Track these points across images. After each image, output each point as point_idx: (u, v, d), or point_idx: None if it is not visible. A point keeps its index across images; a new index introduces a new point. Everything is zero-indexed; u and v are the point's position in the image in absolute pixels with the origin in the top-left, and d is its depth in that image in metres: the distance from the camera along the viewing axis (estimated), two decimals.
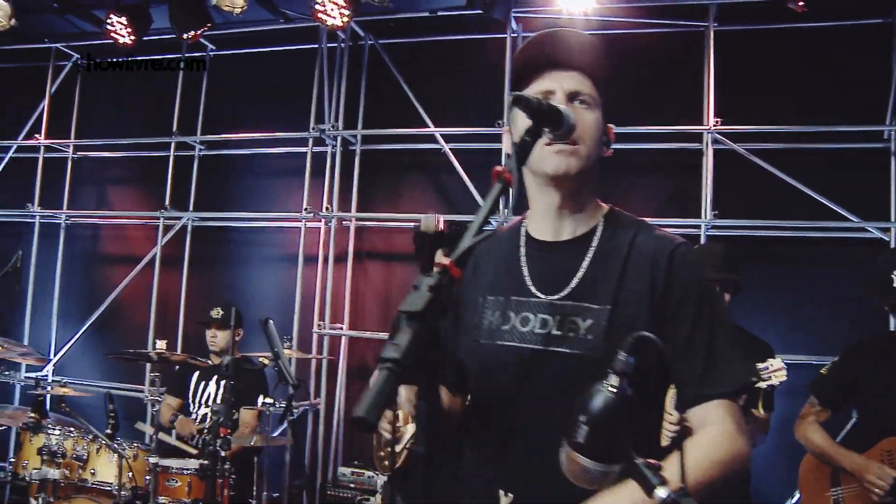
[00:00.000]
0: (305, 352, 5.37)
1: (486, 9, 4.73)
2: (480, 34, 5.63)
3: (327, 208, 5.52)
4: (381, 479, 3.91)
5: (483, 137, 5.50)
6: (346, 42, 5.87)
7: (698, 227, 5.01)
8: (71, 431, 4.23)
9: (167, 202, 6.01)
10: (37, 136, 6.43)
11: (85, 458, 4.16)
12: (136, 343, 6.05)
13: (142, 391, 5.92)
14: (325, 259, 5.68)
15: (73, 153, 6.61)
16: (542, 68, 1.64)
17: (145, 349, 5.81)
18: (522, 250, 1.74)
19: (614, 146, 1.69)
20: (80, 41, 6.53)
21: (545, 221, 1.71)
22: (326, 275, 5.56)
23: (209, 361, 4.79)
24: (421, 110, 5.60)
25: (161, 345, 4.21)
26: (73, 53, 6.62)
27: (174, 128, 6.09)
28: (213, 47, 6.27)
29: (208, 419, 4.75)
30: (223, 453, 3.60)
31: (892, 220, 4.79)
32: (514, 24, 5.46)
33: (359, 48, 5.94)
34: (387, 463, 3.84)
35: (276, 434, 5.06)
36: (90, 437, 4.19)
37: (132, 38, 5.63)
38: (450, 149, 5.54)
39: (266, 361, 3.67)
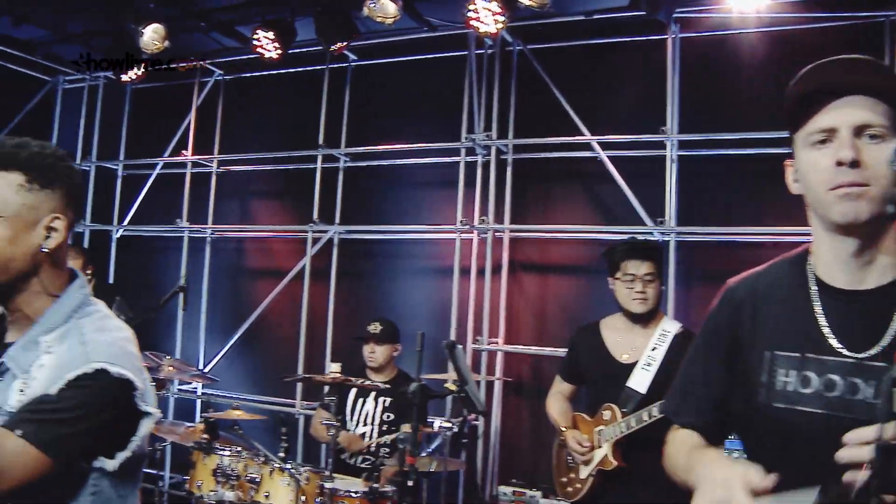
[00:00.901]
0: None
1: (651, 10, 4.47)
2: (636, 36, 5.53)
3: (483, 220, 5.38)
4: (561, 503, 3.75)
5: (643, 145, 5.37)
6: (495, 49, 5.85)
7: None
8: (239, 452, 4.22)
9: (315, 215, 5.95)
10: (184, 152, 6.56)
11: (258, 480, 4.13)
12: (284, 357, 6.12)
13: (293, 405, 5.93)
14: (479, 272, 5.68)
15: (217, 168, 6.67)
16: (823, 100, 1.47)
17: (293, 363, 5.88)
18: (816, 299, 1.55)
19: None
20: (223, 57, 6.72)
21: (837, 267, 1.53)
22: (483, 288, 5.43)
23: (369, 380, 4.71)
24: (575, 117, 5.48)
25: (335, 367, 4.16)
26: (215, 69, 6.70)
27: (320, 140, 6.12)
28: (355, 57, 6.24)
29: (367, 437, 4.68)
30: (409, 483, 3.50)
31: None
32: (673, 26, 5.27)
33: (507, 54, 5.87)
34: (570, 489, 3.75)
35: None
36: (261, 459, 4.16)
37: (278, 52, 5.66)
38: (607, 156, 5.27)
39: (452, 387, 3.55)
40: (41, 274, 1.66)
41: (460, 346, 3.62)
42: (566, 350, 3.98)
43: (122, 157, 7.23)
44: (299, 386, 6.05)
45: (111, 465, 1.63)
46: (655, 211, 5.21)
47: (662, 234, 5.20)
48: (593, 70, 5.66)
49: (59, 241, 1.66)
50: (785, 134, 1.58)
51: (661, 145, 5.28)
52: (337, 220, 6.22)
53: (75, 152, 7.33)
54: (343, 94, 6.37)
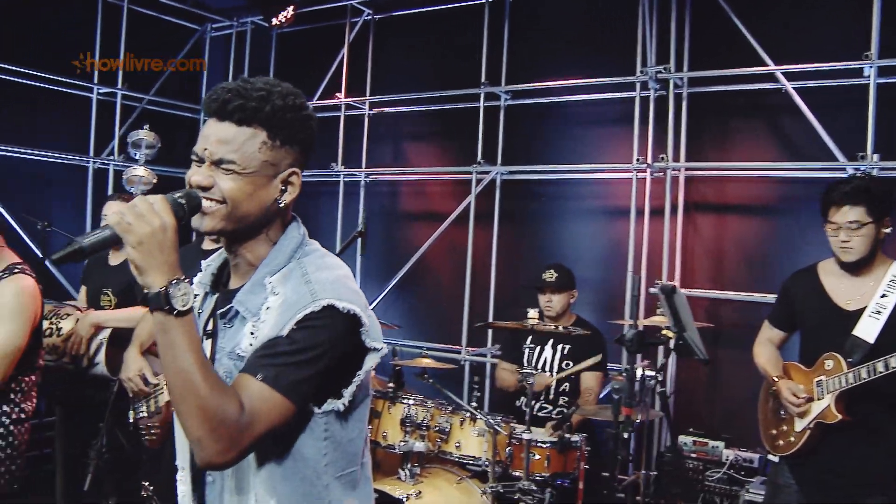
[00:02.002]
0: (623, 313, 5.42)
1: None
2: None
3: (662, 157, 5.17)
4: (772, 458, 3.61)
5: (836, 73, 5.12)
6: None
7: None
8: (424, 401, 4.23)
9: (479, 156, 5.88)
10: (337, 94, 6.55)
11: (447, 430, 4.14)
12: (443, 302, 6.12)
13: (458, 352, 5.94)
14: (651, 213, 5.57)
15: (370, 110, 6.64)
16: None
17: (454, 309, 5.92)
18: None
19: None
20: None
21: None
22: (660, 230, 5.33)
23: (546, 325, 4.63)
24: (756, 46, 5.14)
25: (533, 313, 4.10)
26: (364, 9, 6.62)
27: (483, 78, 5.93)
28: None
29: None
30: (625, 435, 3.41)
31: None
32: None
33: None
34: (781, 442, 3.63)
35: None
36: (450, 408, 4.16)
37: None
38: (793, 88, 4.98)
39: (669, 334, 3.42)
40: (270, 225, 1.73)
41: (682, 291, 3.47)
42: (777, 295, 3.83)
43: None
44: (464, 333, 6.04)
45: (340, 404, 1.68)
46: (849, 146, 4.87)
47: (857, 170, 4.86)
48: None
49: (294, 195, 1.73)
50: None
51: (857, 73, 4.94)
52: (499, 160, 6.08)
53: None
54: (502, 29, 6.30)
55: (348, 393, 1.68)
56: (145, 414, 3.86)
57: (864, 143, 4.90)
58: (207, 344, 1.75)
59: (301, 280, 1.66)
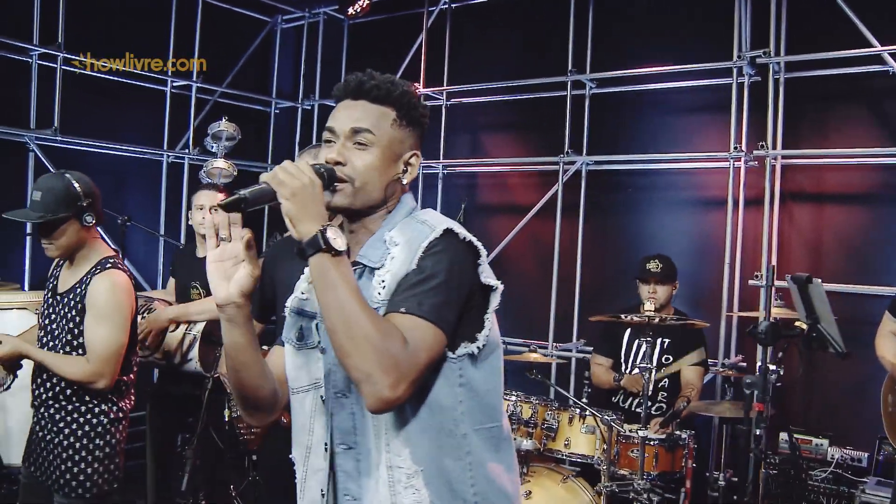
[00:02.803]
0: (717, 306, 5.31)
1: None
2: None
3: (761, 146, 5.05)
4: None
5: None
6: None
7: None
8: (528, 398, 4.16)
9: (567, 146, 5.86)
10: (415, 84, 6.47)
11: (555, 427, 4.07)
12: (526, 295, 6.03)
13: (545, 347, 5.87)
14: (748, 203, 5.51)
15: (447, 100, 6.58)
16: None
17: (540, 302, 5.89)
18: None
19: None
20: None
21: None
22: (762, 220, 5.23)
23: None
24: (861, 25, 4.98)
25: (649, 305, 4.00)
26: None
27: (570, 66, 5.96)
28: None
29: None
30: (757, 431, 3.30)
31: None
32: None
33: None
34: None
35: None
36: (556, 405, 4.09)
37: None
38: None
39: (803, 325, 3.31)
40: (391, 201, 1.84)
41: (818, 281, 3.35)
42: None
43: None
44: (551, 327, 5.96)
45: (474, 347, 1.74)
46: None
47: None
48: None
49: (413, 175, 1.87)
50: None
51: None
52: (584, 150, 5.99)
53: (297, 92, 7.41)
54: (586, 15, 6.24)
55: (482, 336, 1.74)
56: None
57: None
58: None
59: (417, 223, 1.77)
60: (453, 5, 6.88)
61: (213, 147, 6.15)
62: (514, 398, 4.25)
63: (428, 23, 6.84)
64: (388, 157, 1.79)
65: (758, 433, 3.47)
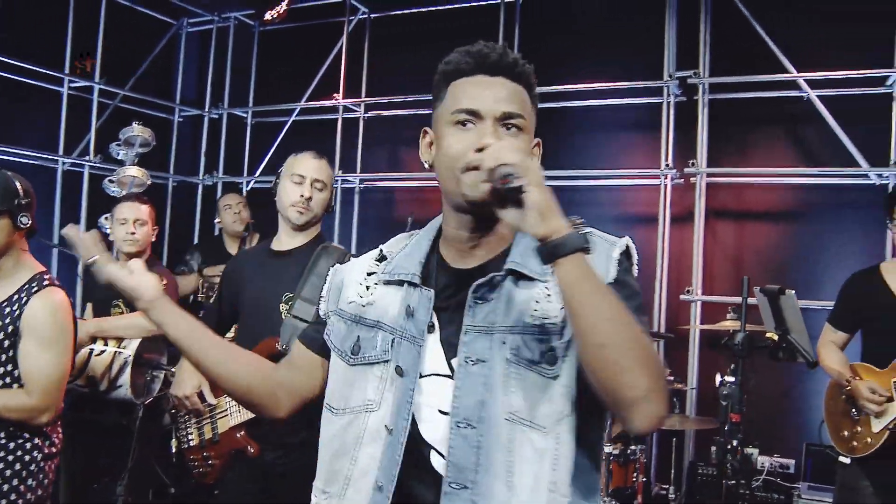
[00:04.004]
0: (648, 322, 5.22)
1: None
2: None
3: (692, 163, 5.24)
4: (843, 460, 3.71)
5: (859, 82, 5.34)
6: None
7: None
8: None
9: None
10: (335, 95, 6.40)
11: None
12: None
13: None
14: (675, 219, 5.71)
15: (365, 112, 6.49)
16: None
17: None
18: None
19: None
20: None
21: None
22: (692, 236, 5.52)
23: None
24: (778, 53, 5.41)
25: None
26: (360, 6, 6.49)
27: None
28: None
29: None
30: (734, 442, 3.38)
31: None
32: None
33: None
34: (856, 444, 3.70)
35: None
36: None
37: None
38: (816, 95, 5.35)
39: (774, 336, 3.42)
40: None
41: (791, 293, 3.47)
42: (839, 297, 3.92)
43: (251, 103, 7.02)
44: None
45: None
46: (871, 153, 5.12)
47: (879, 176, 5.07)
48: (798, 2, 5.58)
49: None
50: None
51: (880, 82, 5.21)
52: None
53: (203, 99, 7.11)
54: (513, 31, 6.33)
55: None
56: (195, 442, 3.29)
57: (886, 150, 5.14)
58: (433, 337, 1.60)
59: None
60: (373, 15, 6.83)
61: (120, 154, 5.77)
62: None
63: (346, 32, 6.75)
64: (529, 145, 1.63)
65: (734, 444, 3.56)
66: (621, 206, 6.09)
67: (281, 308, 3.09)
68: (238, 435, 3.09)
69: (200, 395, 3.22)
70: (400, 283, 1.68)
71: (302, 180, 3.14)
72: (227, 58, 7.31)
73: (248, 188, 7.00)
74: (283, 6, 6.26)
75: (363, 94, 6.76)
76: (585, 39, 6.16)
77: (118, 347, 3.84)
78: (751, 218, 5.71)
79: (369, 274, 1.74)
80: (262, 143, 7.08)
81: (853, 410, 3.71)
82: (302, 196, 3.12)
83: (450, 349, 1.59)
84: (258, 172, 7.07)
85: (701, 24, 5.64)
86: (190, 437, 3.29)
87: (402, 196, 6.86)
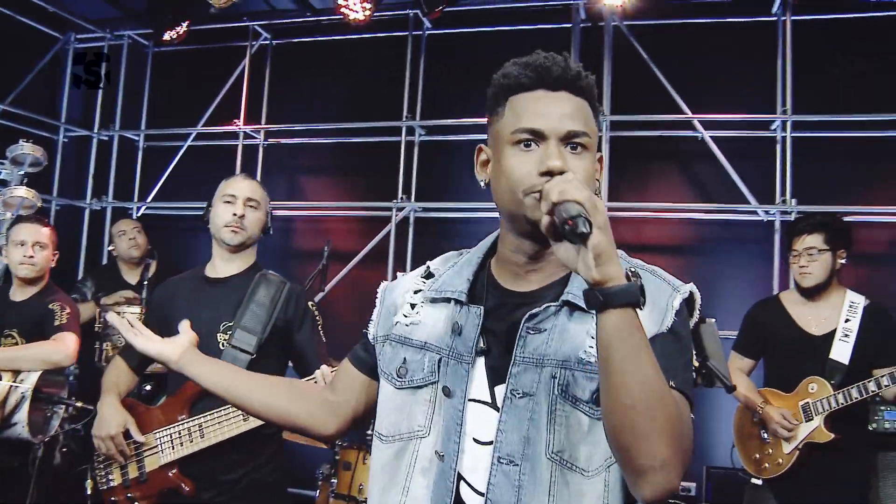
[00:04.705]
0: None
1: None
2: (741, 17, 5.83)
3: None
4: (755, 481, 3.97)
5: (748, 125, 5.75)
6: (583, 23, 6.05)
7: None
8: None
9: (400, 191, 5.88)
10: (236, 121, 6.28)
11: None
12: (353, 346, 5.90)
13: None
14: None
15: (265, 140, 6.41)
16: None
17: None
18: None
19: None
20: (272, 19, 6.63)
21: None
22: None
23: None
24: (675, 95, 5.75)
25: None
26: (263, 32, 6.42)
27: (405, 111, 5.97)
28: (430, 26, 6.14)
29: None
30: None
31: None
32: (776, 8, 5.69)
33: (599, 30, 6.07)
34: (767, 465, 3.90)
35: None
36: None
37: (367, 13, 5.46)
38: (709, 136, 5.72)
39: (695, 363, 3.55)
40: None
41: (712, 321, 3.62)
42: (743, 325, 4.14)
43: (143, 126, 6.77)
44: None
45: None
46: (761, 192, 5.56)
47: (766, 213, 5.41)
48: (694, 49, 5.96)
49: (599, 185, 1.64)
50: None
51: (767, 126, 5.55)
52: (413, 196, 6.10)
53: (91, 120, 6.79)
54: (418, 64, 6.41)
55: None
56: (118, 482, 3.04)
57: (772, 188, 5.52)
58: (480, 362, 1.54)
59: (643, 271, 1.55)
60: (275, 42, 6.76)
61: (2, 173, 5.41)
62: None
63: (245, 60, 6.66)
64: (595, 160, 1.54)
65: None
66: None
67: (219, 338, 2.99)
68: (170, 473, 2.94)
69: (126, 434, 3.02)
70: (447, 300, 1.62)
71: (234, 199, 3.07)
72: (120, 77, 7.04)
73: (139, 214, 6.71)
74: (183, 28, 6.11)
75: (263, 120, 6.66)
76: (488, 75, 6.24)
77: (14, 381, 3.57)
78: (648, 251, 5.91)
79: (416, 292, 1.69)
80: (155, 168, 6.85)
81: (763, 434, 3.91)
82: (234, 214, 3.04)
83: (495, 376, 1.53)
84: (150, 198, 6.83)
85: (604, 65, 5.89)
86: (110, 477, 3.06)
87: (301, 226, 6.75)
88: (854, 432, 3.78)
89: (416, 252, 6.23)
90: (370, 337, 1.74)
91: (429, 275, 1.71)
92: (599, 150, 1.58)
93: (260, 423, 2.88)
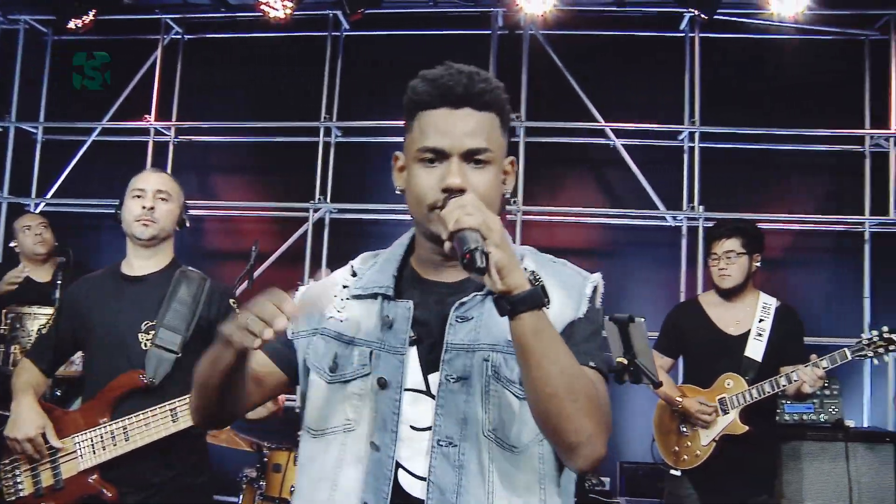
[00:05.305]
0: None
1: (704, 7, 4.96)
2: (652, 32, 6.14)
3: (514, 201, 5.61)
4: (674, 472, 4.16)
5: (657, 134, 6.06)
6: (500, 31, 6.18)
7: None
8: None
9: (318, 192, 5.88)
10: (146, 116, 6.10)
11: None
12: None
13: None
14: None
15: (175, 136, 6.31)
16: None
17: None
18: None
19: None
20: (185, 13, 6.51)
21: None
22: None
23: None
24: (589, 104, 6.00)
25: None
26: (174, 26, 6.36)
27: (323, 112, 6.00)
28: (348, 27, 6.17)
29: None
30: None
31: None
32: (685, 24, 6.03)
33: (517, 38, 6.21)
34: (686, 457, 4.11)
35: None
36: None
37: (287, 11, 5.43)
38: (621, 144, 6.00)
39: (624, 361, 3.71)
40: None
41: (641, 320, 3.78)
42: (664, 326, 4.38)
43: (42, 118, 6.48)
44: None
45: None
46: (668, 197, 5.87)
47: (674, 219, 5.70)
48: (607, 60, 6.23)
49: (513, 183, 1.71)
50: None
51: (675, 135, 5.91)
52: (328, 197, 6.11)
53: None
54: (336, 64, 6.41)
55: None
56: (29, 491, 2.89)
57: (680, 195, 5.85)
58: (413, 352, 1.62)
59: (548, 262, 1.74)
60: (187, 37, 6.61)
61: None
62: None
63: (155, 54, 6.47)
64: (499, 171, 1.63)
65: None
66: None
67: (140, 338, 2.93)
68: (90, 479, 2.86)
69: (44, 438, 2.89)
70: (374, 296, 1.68)
71: (143, 193, 3.02)
72: (16, 65, 6.68)
73: (38, 210, 6.39)
74: (90, 16, 5.88)
75: (174, 117, 6.50)
76: (405, 78, 6.29)
77: None
78: (561, 254, 5.99)
79: (344, 287, 1.73)
80: (57, 163, 6.56)
81: (682, 428, 4.13)
82: (144, 207, 2.98)
83: (428, 365, 1.61)
84: (50, 194, 6.54)
85: (522, 72, 6.06)
86: (20, 485, 2.91)
87: (214, 226, 6.62)
88: (764, 425, 4.07)
89: (331, 253, 6.22)
90: (290, 333, 1.72)
91: (353, 273, 1.76)
92: (511, 154, 1.67)
93: (188, 424, 2.84)
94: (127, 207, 3.03)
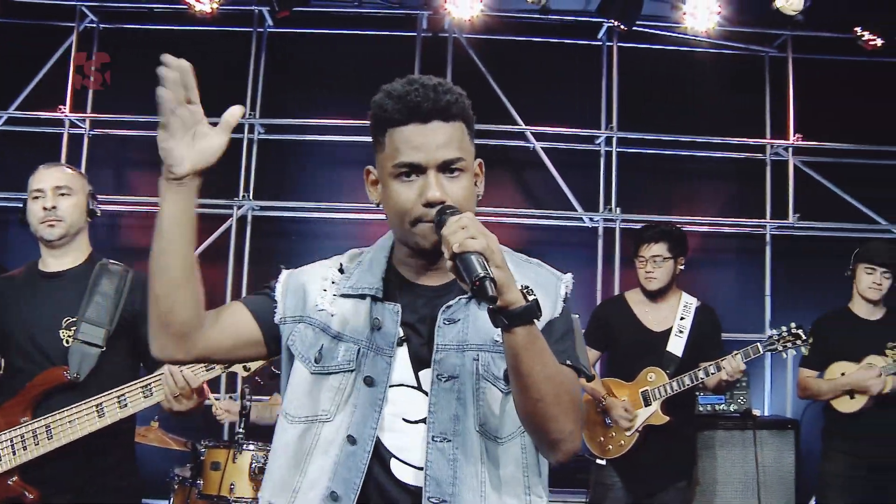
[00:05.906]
0: None
1: (623, 18, 5.24)
2: (572, 39, 6.40)
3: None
4: (599, 461, 4.41)
5: (575, 138, 6.33)
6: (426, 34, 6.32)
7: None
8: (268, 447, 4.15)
9: (241, 190, 5.81)
10: (61, 107, 5.92)
11: None
12: None
13: None
14: None
15: (90, 129, 6.14)
16: None
17: None
18: None
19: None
20: (103, 1, 6.32)
21: None
22: None
23: None
24: (510, 107, 6.19)
25: None
26: (89, 14, 6.22)
27: (248, 110, 6.02)
28: (272, 24, 6.15)
29: None
30: None
31: None
32: (602, 34, 6.30)
33: (440, 41, 6.35)
34: (611, 447, 4.36)
35: None
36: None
37: (213, 5, 5.44)
38: (540, 147, 6.22)
39: None
40: None
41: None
42: (591, 321, 4.62)
43: None
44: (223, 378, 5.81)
45: None
46: (586, 199, 6.13)
47: (591, 220, 5.96)
48: (529, 65, 6.44)
49: (483, 185, 1.79)
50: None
51: (593, 140, 6.21)
52: (251, 194, 6.09)
53: None
54: (259, 61, 6.38)
55: None
56: None
57: (597, 197, 6.13)
58: (401, 350, 1.72)
59: (528, 263, 1.84)
60: (101, 25, 6.40)
61: None
62: (252, 448, 4.10)
63: (67, 42, 6.21)
64: (472, 177, 1.71)
65: None
66: (355, 240, 6.21)
67: (62, 334, 2.91)
68: (10, 482, 2.79)
69: None
70: (362, 296, 1.76)
71: (42, 193, 2.98)
72: None
73: None
74: None
75: (89, 109, 6.31)
76: (330, 77, 6.33)
77: None
78: None
79: (333, 283, 1.81)
80: None
81: (607, 420, 4.36)
82: (45, 208, 2.95)
83: (418, 362, 1.72)
84: None
85: (446, 75, 6.15)
86: None
87: (129, 222, 6.45)
88: (683, 416, 4.37)
89: (254, 250, 6.19)
90: (277, 318, 1.79)
91: (341, 269, 1.84)
92: (478, 157, 1.76)
93: (114, 419, 2.81)
94: (29, 210, 2.99)
